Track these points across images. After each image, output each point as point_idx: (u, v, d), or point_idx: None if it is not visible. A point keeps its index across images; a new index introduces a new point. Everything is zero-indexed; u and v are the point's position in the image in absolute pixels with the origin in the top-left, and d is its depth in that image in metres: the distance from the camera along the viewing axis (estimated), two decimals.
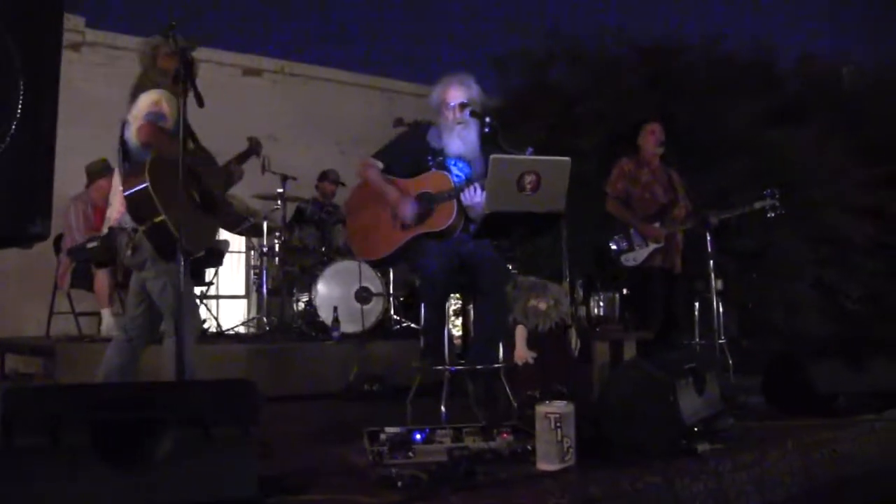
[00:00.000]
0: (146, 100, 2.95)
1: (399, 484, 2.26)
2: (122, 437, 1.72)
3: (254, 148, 3.54)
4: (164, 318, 3.10)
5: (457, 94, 3.49)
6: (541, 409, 2.51)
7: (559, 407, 2.50)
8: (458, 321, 5.42)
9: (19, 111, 1.36)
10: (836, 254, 6.90)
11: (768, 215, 4.78)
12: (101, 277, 5.45)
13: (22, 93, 1.36)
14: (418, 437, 2.69)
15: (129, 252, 3.00)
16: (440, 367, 3.33)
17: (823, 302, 6.88)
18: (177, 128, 2.85)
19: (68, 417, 1.68)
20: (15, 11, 1.37)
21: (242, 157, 3.44)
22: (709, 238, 4.49)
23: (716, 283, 4.83)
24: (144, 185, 2.74)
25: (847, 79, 8.34)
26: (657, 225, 4.84)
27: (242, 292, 8.20)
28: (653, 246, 4.81)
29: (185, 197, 2.82)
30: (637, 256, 4.82)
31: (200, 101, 2.63)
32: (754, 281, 6.61)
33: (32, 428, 1.66)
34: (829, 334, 6.49)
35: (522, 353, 3.56)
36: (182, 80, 2.58)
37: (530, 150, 3.17)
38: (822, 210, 6.69)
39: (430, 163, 3.52)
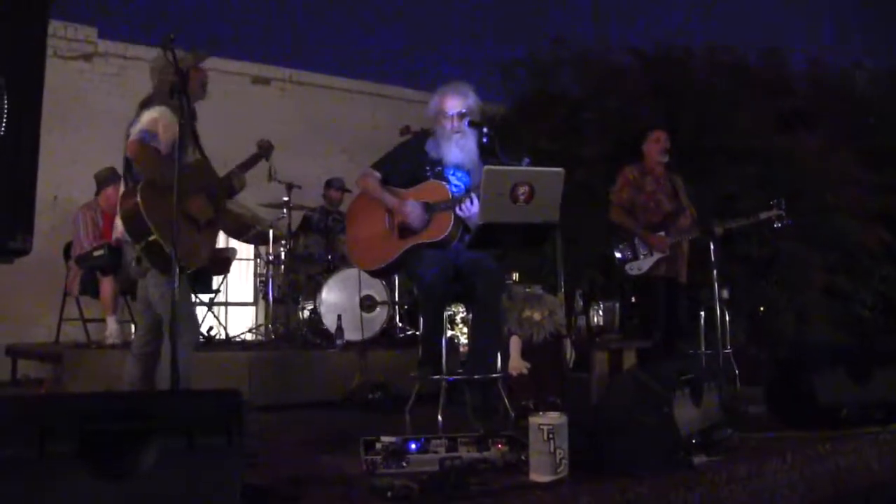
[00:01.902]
0: (146, 117, 3.03)
1: (389, 494, 2.26)
2: (107, 447, 1.73)
3: (263, 152, 3.55)
4: (162, 327, 3.14)
5: (454, 103, 3.49)
6: (534, 420, 2.50)
7: (552, 418, 2.49)
8: (466, 329, 5.42)
9: (3, 127, 1.37)
10: (847, 261, 6.84)
11: (775, 226, 4.74)
12: (107, 285, 5.49)
13: (6, 108, 1.37)
14: (413, 446, 2.69)
15: (134, 263, 3.09)
16: (437, 377, 3.33)
17: (834, 310, 6.81)
18: (170, 150, 2.94)
19: (54, 427, 1.70)
20: None
21: (248, 164, 3.45)
22: (712, 247, 4.46)
23: (722, 292, 4.79)
24: (136, 206, 2.85)
25: (861, 82, 8.27)
26: (662, 234, 4.82)
27: (251, 300, 8.24)
28: (657, 255, 4.79)
29: (179, 214, 2.86)
30: (641, 265, 4.80)
31: (193, 115, 2.67)
32: (763, 288, 6.56)
33: (19, 437, 1.68)
34: (840, 343, 6.42)
35: (517, 364, 3.55)
36: (178, 93, 2.61)
37: (527, 160, 3.17)
38: (831, 216, 6.63)
39: (428, 173, 3.52)
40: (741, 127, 6.52)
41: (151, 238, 2.84)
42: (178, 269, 2.61)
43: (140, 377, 3.24)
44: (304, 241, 6.24)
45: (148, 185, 2.90)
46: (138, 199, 2.84)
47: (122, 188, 3.25)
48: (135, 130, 3.00)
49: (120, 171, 5.69)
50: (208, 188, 3.18)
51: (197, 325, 3.30)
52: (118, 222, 3.20)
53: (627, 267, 4.83)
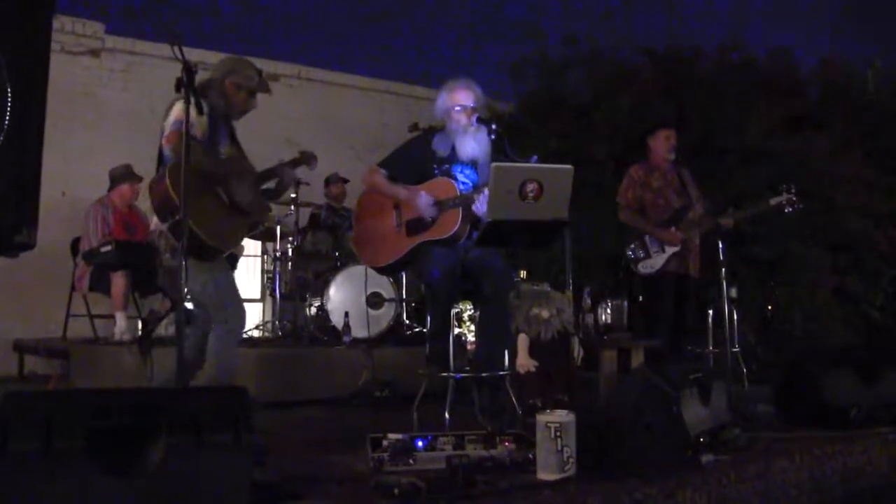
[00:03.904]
0: (176, 109, 3.02)
1: (396, 492, 2.26)
2: (115, 443, 1.73)
3: (304, 159, 3.56)
4: (211, 315, 3.10)
5: (465, 96, 3.49)
6: (541, 418, 2.50)
7: (560, 416, 2.49)
8: (473, 327, 5.41)
9: (7, 122, 1.36)
10: (857, 261, 6.81)
11: (786, 210, 4.68)
12: (118, 281, 5.50)
13: (10, 104, 1.36)
14: (420, 444, 2.69)
15: (167, 254, 3.07)
16: (445, 374, 3.32)
17: (844, 310, 6.78)
18: (204, 139, 2.99)
19: (61, 422, 1.70)
20: (1, 22, 1.37)
21: (291, 165, 3.47)
22: (721, 246, 4.44)
23: (729, 291, 4.75)
24: (165, 187, 2.85)
25: (872, 80, 8.22)
26: (672, 229, 4.79)
27: (258, 296, 8.24)
28: (670, 250, 4.76)
29: (209, 197, 2.89)
30: (654, 263, 4.77)
31: (200, 109, 2.67)
32: (772, 289, 6.53)
33: (27, 432, 1.68)
34: (850, 343, 6.39)
35: (524, 362, 3.54)
36: (185, 88, 2.61)
37: (535, 157, 3.15)
38: (842, 216, 6.60)
39: (436, 170, 3.51)
40: (751, 127, 6.50)
41: (178, 217, 2.79)
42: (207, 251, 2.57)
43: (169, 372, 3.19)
44: (311, 238, 6.24)
45: (176, 168, 2.86)
46: (166, 179, 2.85)
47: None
48: (168, 123, 3.01)
49: (136, 168, 5.76)
50: (247, 176, 3.19)
51: (242, 312, 3.25)
52: (153, 216, 3.17)
53: (640, 266, 4.80)
